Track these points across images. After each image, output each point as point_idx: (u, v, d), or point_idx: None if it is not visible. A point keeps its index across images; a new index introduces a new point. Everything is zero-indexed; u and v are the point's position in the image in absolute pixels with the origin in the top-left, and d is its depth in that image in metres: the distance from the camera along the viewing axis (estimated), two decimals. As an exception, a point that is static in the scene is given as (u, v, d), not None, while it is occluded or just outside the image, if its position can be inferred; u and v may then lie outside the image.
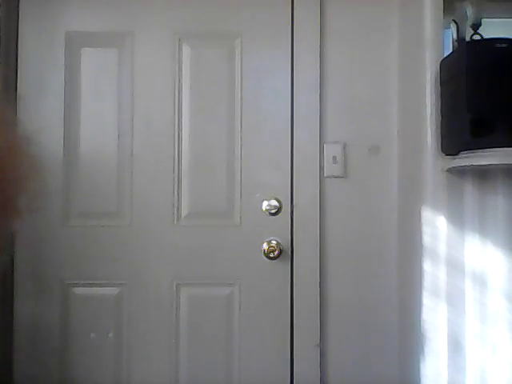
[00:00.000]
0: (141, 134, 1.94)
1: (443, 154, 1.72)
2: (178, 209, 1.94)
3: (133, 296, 1.93)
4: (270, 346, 1.93)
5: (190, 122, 1.95)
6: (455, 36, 1.86)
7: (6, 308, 1.89)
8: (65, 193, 1.92)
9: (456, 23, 1.84)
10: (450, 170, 1.68)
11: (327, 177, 1.95)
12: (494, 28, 1.82)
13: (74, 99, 1.94)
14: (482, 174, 1.69)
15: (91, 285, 1.94)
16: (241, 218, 1.94)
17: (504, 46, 1.53)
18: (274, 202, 1.93)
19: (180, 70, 1.96)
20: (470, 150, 1.58)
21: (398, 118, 1.94)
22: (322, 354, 1.92)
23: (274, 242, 1.91)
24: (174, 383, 1.93)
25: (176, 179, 1.94)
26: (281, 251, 1.91)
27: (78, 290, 1.93)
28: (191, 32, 1.98)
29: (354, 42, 1.97)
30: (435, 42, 1.74)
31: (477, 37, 1.75)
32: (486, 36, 1.73)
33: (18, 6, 1.94)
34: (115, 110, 1.95)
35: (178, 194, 1.94)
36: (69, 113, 1.94)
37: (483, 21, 1.77)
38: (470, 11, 1.76)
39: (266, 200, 1.93)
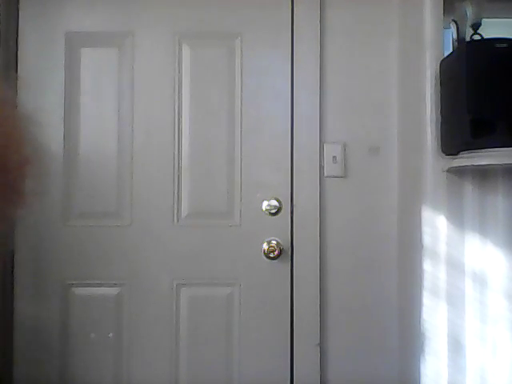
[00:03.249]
0: (141, 134, 1.95)
1: (443, 154, 1.72)
2: (178, 209, 1.94)
3: (133, 296, 1.93)
4: (270, 346, 1.93)
5: (189, 122, 1.95)
6: (455, 36, 1.86)
7: (6, 308, 1.88)
8: (65, 193, 1.92)
9: (456, 23, 1.84)
10: (450, 170, 1.68)
11: (327, 177, 1.95)
12: (494, 28, 1.82)
13: (74, 99, 1.94)
14: (482, 174, 1.69)
15: (91, 285, 1.94)
16: (241, 218, 1.94)
17: (504, 46, 1.53)
18: (274, 202, 1.93)
19: (180, 70, 1.96)
20: (470, 150, 1.58)
21: (398, 118, 1.94)
22: (322, 354, 1.92)
23: (273, 242, 1.91)
24: (173, 383, 1.93)
25: (176, 179, 1.94)
26: (281, 251, 1.91)
27: (78, 290, 1.93)
28: (191, 32, 1.98)
29: (354, 42, 1.97)
30: (435, 42, 1.74)
31: (477, 37, 1.74)
32: (486, 36, 1.73)
33: (18, 6, 1.95)
34: (115, 109, 1.95)
35: (178, 194, 1.94)
36: (69, 113, 1.94)
37: (483, 21, 1.77)
38: (469, 11, 1.76)
39: (265, 200, 1.93)
